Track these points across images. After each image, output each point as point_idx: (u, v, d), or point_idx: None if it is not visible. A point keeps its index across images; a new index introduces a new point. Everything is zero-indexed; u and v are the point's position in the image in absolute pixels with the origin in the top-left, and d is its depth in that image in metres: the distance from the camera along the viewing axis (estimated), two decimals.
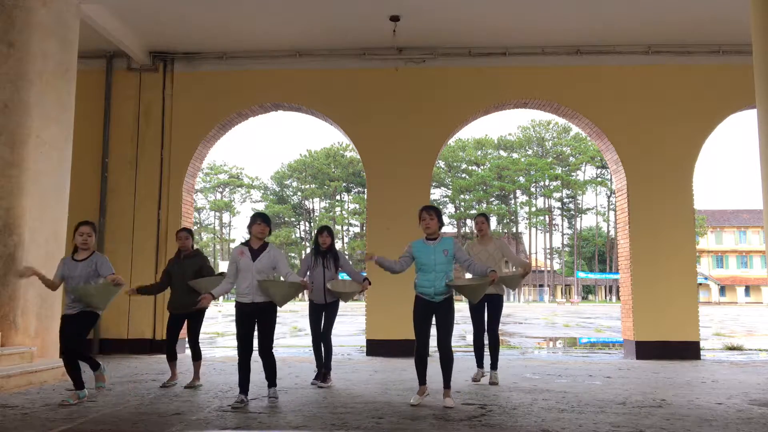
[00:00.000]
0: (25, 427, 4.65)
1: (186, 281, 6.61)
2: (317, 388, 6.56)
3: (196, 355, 6.78)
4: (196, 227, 68.91)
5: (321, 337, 6.82)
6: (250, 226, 5.71)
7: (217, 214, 77.74)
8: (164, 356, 9.58)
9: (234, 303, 5.68)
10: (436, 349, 5.58)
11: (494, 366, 6.92)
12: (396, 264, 5.63)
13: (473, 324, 7.02)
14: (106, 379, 5.91)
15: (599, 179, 73.05)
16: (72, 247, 5.83)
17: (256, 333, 5.62)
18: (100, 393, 5.89)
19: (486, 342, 7.03)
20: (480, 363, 6.99)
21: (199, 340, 6.89)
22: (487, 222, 7.18)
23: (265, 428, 4.66)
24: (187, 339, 6.89)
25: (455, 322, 5.69)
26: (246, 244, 5.70)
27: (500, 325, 7.13)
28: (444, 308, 5.52)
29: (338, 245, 70.80)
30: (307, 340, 13.76)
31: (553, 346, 14.56)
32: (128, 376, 7.49)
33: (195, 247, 7.05)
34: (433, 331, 5.61)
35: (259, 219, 5.70)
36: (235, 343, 14.14)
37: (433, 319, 5.59)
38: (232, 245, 77.08)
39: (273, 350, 5.71)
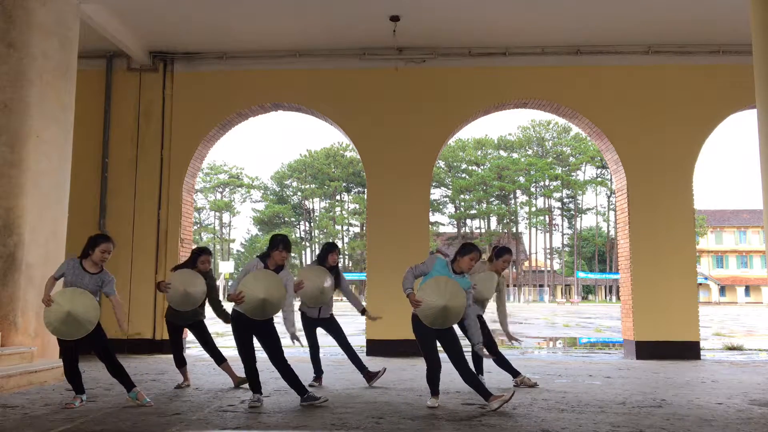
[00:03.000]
0: (25, 427, 4.65)
1: None
2: (371, 387, 6.63)
3: (220, 359, 6.72)
4: (196, 227, 68.94)
5: (342, 348, 6.85)
6: (271, 249, 5.55)
7: (217, 214, 77.72)
8: (164, 356, 9.64)
9: (231, 310, 5.63)
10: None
11: (515, 373, 6.78)
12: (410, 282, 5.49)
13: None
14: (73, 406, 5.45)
15: (599, 179, 73.02)
16: (70, 248, 5.71)
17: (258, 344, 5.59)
18: (141, 404, 5.51)
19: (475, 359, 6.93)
20: (480, 371, 6.79)
21: (215, 346, 6.80)
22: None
23: (264, 428, 4.66)
24: (203, 350, 6.82)
25: None
26: (263, 260, 5.58)
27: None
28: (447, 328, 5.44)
29: (338, 245, 70.76)
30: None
31: (553, 346, 14.56)
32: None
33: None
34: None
35: (281, 246, 5.53)
36: (234, 343, 14.16)
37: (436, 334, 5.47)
38: (232, 245, 77.17)
39: (285, 360, 5.57)
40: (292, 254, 6.61)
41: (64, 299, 5.30)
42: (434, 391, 5.50)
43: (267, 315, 5.47)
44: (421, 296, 5.32)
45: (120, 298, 5.63)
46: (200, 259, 6.67)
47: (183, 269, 6.62)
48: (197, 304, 6.50)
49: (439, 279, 5.35)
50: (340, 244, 71.14)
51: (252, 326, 5.53)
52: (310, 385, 6.69)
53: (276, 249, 5.54)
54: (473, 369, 6.75)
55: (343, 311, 6.93)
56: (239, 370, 7.03)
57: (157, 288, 6.63)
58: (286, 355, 5.64)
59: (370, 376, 6.80)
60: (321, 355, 7.04)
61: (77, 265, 5.47)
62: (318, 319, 6.82)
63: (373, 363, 8.89)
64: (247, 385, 6.60)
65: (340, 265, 7.03)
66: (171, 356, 9.53)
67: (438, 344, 5.48)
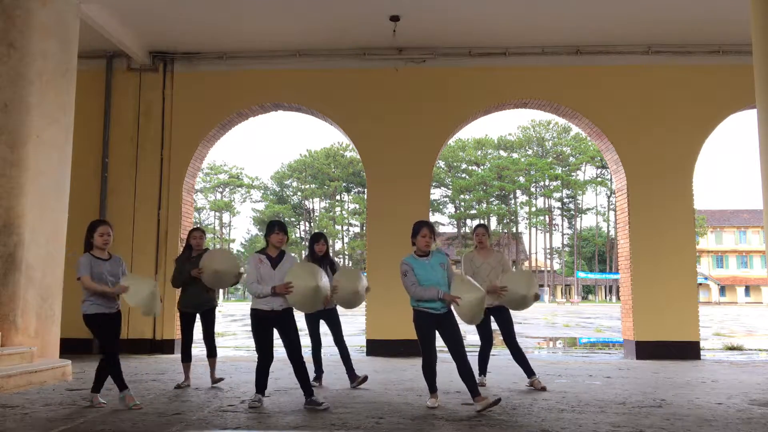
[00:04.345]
0: (25, 427, 4.65)
1: (200, 280, 6.57)
2: (355, 388, 6.62)
3: (212, 352, 6.80)
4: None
5: (336, 344, 6.84)
6: (268, 235, 5.60)
7: (217, 214, 77.72)
8: (164, 356, 9.65)
9: (249, 309, 5.57)
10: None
11: (531, 373, 6.65)
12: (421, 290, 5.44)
13: (480, 337, 6.82)
14: (132, 399, 5.46)
15: (599, 179, 73.03)
16: (70, 248, 5.76)
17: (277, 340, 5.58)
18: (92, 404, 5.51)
19: (492, 353, 6.92)
20: (483, 371, 6.84)
21: (214, 338, 6.92)
22: (487, 233, 6.95)
23: (264, 428, 4.66)
24: (202, 337, 6.88)
25: None
26: (263, 251, 5.61)
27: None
28: (449, 318, 5.42)
29: (338, 245, 70.86)
30: (308, 340, 13.73)
31: (553, 346, 14.56)
32: (128, 376, 7.47)
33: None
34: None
35: (277, 228, 5.59)
36: (235, 342, 14.19)
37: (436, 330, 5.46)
38: (233, 245, 77.14)
39: (302, 357, 5.54)
40: (293, 254, 6.55)
41: (141, 283, 5.57)
42: (432, 388, 5.46)
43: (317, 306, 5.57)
44: (459, 293, 5.35)
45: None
46: (190, 236, 6.84)
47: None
48: (224, 284, 6.57)
49: (458, 278, 5.48)
50: (339, 245, 71.26)
51: (273, 323, 5.49)
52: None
53: (272, 232, 5.58)
54: (478, 367, 6.82)
55: (343, 312, 6.91)
56: (231, 372, 7.02)
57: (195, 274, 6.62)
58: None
59: (354, 379, 6.75)
60: (321, 354, 7.03)
61: (91, 257, 5.55)
62: (323, 311, 6.75)
63: (373, 363, 8.91)
64: (219, 385, 6.67)
65: (333, 257, 7.04)
66: (171, 356, 9.59)
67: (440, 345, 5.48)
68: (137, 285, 5.56)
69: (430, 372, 5.44)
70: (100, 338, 5.51)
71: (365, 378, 6.78)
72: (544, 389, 6.46)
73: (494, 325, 6.84)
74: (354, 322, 22.31)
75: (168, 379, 7.17)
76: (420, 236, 5.50)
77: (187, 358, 6.75)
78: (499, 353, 10.23)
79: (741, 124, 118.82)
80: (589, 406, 5.48)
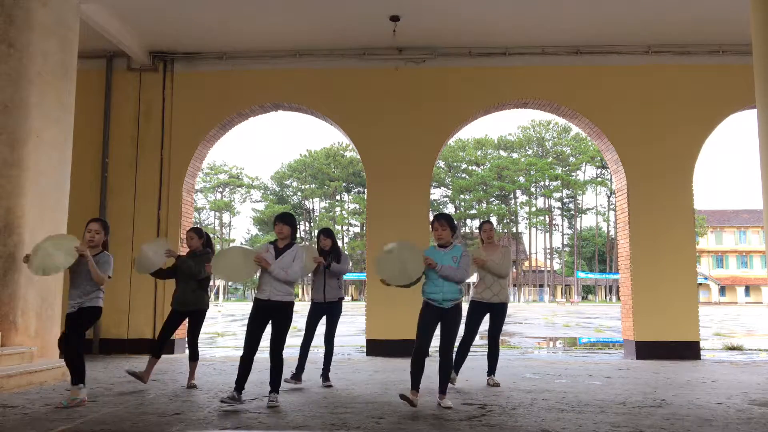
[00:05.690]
0: (25, 427, 4.65)
1: (191, 279, 6.55)
2: (324, 387, 6.59)
3: (194, 356, 6.73)
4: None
5: (324, 338, 6.85)
6: (274, 228, 5.80)
7: (217, 214, 77.75)
8: (164, 356, 9.61)
9: (254, 299, 5.68)
10: (436, 351, 5.54)
11: (492, 371, 6.85)
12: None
13: (465, 329, 6.75)
14: (81, 397, 5.45)
15: (599, 179, 73.05)
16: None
17: (266, 332, 5.62)
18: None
19: (471, 347, 6.91)
20: (457, 369, 6.74)
21: (198, 341, 6.86)
22: (493, 229, 7.14)
23: (265, 428, 4.67)
24: (186, 339, 6.85)
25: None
26: (273, 243, 5.77)
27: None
28: (452, 314, 5.45)
29: (338, 245, 70.80)
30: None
31: (553, 346, 14.56)
32: (128, 375, 7.47)
33: (211, 246, 6.90)
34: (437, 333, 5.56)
35: (278, 220, 5.76)
36: (235, 342, 14.20)
37: (438, 324, 5.52)
38: (232, 245, 77.12)
39: (282, 353, 5.63)
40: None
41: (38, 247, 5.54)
42: (414, 384, 5.36)
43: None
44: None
45: (100, 272, 5.47)
46: (186, 236, 6.85)
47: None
48: (155, 261, 6.53)
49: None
50: (339, 245, 71.24)
51: (267, 313, 5.54)
52: (285, 380, 6.59)
53: (274, 225, 5.77)
54: (490, 362, 6.90)
55: (344, 311, 6.90)
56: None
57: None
58: (290, 351, 5.67)
59: (326, 380, 6.74)
60: (315, 353, 7.01)
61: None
62: (324, 303, 6.79)
63: (373, 363, 8.91)
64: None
65: (342, 250, 7.10)
66: (171, 356, 9.58)
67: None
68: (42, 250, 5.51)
69: (417, 364, 5.39)
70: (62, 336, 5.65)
71: (329, 385, 6.69)
72: (497, 385, 6.68)
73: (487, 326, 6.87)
74: (354, 322, 22.31)
75: (168, 379, 7.16)
76: (432, 230, 5.69)
77: (157, 354, 6.52)
78: (502, 354, 10.21)
79: (741, 124, 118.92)
80: (589, 406, 5.48)
